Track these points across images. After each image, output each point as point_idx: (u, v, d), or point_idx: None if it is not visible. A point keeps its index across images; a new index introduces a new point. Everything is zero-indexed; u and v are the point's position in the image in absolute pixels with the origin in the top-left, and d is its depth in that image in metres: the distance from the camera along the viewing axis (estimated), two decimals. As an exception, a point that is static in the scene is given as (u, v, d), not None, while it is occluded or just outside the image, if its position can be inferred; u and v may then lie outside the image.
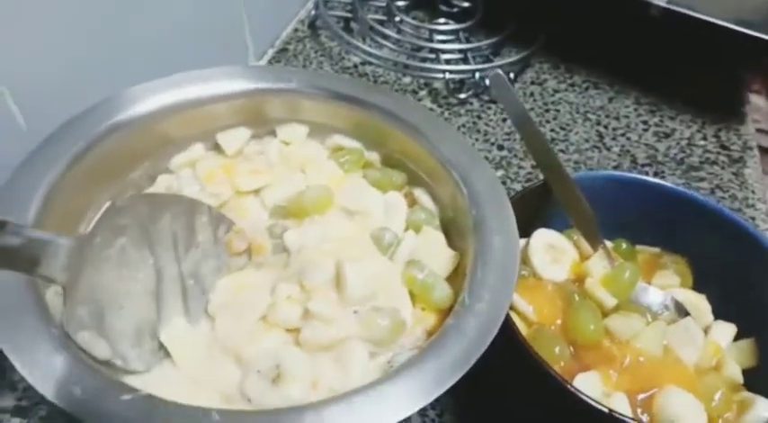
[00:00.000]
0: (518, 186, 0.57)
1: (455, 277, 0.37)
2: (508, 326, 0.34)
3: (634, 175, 0.46)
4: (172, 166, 0.41)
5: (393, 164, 0.43)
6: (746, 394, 0.37)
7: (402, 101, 0.42)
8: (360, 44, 0.68)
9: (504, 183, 0.58)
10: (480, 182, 0.38)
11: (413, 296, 0.36)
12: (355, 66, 0.69)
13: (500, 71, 0.42)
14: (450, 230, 0.40)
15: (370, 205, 0.39)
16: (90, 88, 0.41)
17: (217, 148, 0.42)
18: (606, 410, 0.31)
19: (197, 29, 0.57)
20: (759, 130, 0.71)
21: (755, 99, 0.78)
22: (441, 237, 0.39)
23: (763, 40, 0.58)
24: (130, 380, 0.31)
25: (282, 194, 0.39)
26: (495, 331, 0.31)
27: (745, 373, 0.39)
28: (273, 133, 0.43)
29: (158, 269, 0.33)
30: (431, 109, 0.64)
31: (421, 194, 0.42)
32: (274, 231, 0.38)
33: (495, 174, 0.39)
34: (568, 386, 0.32)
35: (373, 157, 0.43)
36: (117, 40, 0.48)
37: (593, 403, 0.31)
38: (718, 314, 0.42)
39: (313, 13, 0.73)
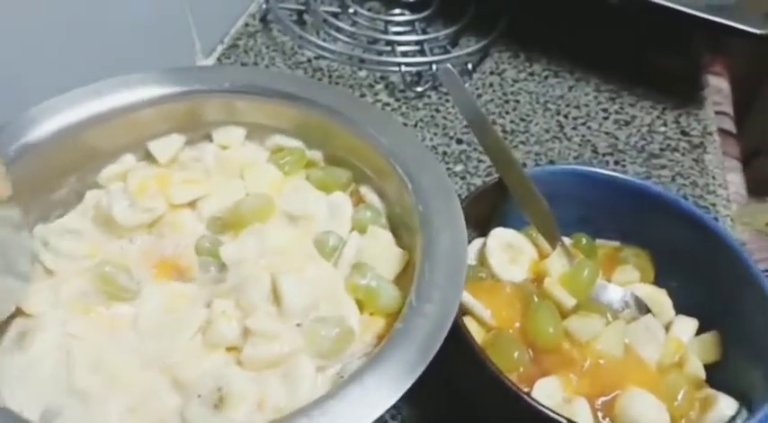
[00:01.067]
0: (478, 181, 0.56)
1: (404, 276, 0.36)
2: (463, 335, 0.33)
3: (592, 168, 0.45)
4: (101, 179, 0.39)
5: (337, 161, 0.41)
6: (709, 391, 0.36)
7: (341, 94, 0.41)
8: (313, 38, 0.66)
9: (463, 178, 0.56)
10: (426, 176, 0.36)
11: (359, 302, 0.35)
12: (309, 60, 0.67)
13: (449, 66, 0.40)
14: (399, 228, 0.38)
15: (313, 208, 0.38)
16: (21, 98, 0.38)
17: (149, 157, 0.40)
18: (564, 421, 0.30)
19: (139, 29, 0.54)
20: (719, 113, 0.71)
21: (716, 81, 0.77)
22: (388, 236, 0.38)
23: (720, 24, 0.57)
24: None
25: (219, 205, 0.37)
26: (445, 333, 0.29)
27: (708, 367, 0.38)
28: (209, 138, 0.41)
29: None
30: (387, 103, 0.62)
31: (367, 192, 0.40)
32: (202, 246, 0.36)
33: (441, 166, 0.38)
34: (525, 397, 0.31)
35: (316, 155, 0.41)
36: (53, 44, 0.45)
37: (550, 414, 0.30)
38: (681, 307, 0.41)
39: (264, 6, 0.70)
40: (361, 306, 0.35)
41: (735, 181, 0.62)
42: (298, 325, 0.32)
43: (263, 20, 0.71)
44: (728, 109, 0.71)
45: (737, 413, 0.34)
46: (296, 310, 0.32)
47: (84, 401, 0.30)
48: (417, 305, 0.31)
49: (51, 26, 0.44)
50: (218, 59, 0.66)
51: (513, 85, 0.66)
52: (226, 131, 0.41)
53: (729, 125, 0.68)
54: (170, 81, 0.39)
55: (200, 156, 0.40)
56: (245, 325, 0.31)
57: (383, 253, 0.36)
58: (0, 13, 0.40)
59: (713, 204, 0.56)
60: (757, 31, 0.57)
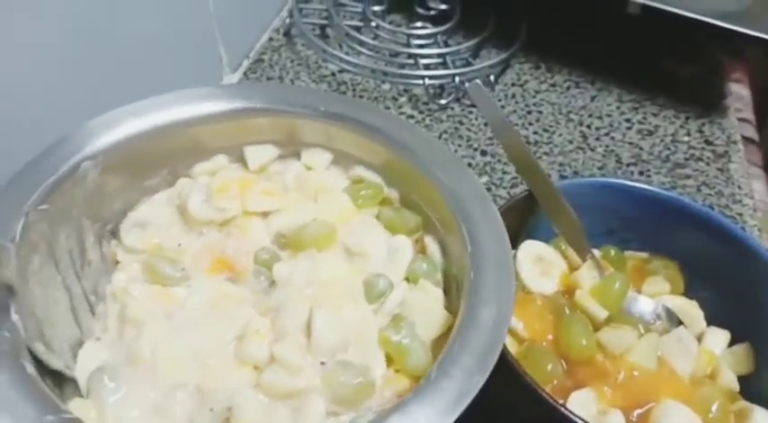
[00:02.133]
0: (503, 192, 0.57)
1: (444, 340, 0.33)
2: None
3: (620, 180, 0.45)
4: (193, 173, 0.40)
5: (410, 205, 0.40)
6: (743, 404, 0.36)
7: (427, 140, 0.40)
8: (336, 52, 0.67)
9: (489, 189, 0.57)
10: (488, 242, 0.34)
11: (388, 356, 0.34)
12: (333, 74, 0.68)
13: (479, 81, 0.41)
14: (452, 289, 0.36)
15: (372, 247, 0.37)
16: (58, 115, 0.39)
17: (241, 161, 0.41)
18: (602, 433, 0.30)
19: (167, 44, 0.55)
20: (741, 120, 0.71)
21: (737, 88, 0.77)
22: (438, 293, 0.36)
23: (738, 32, 0.57)
24: (81, 404, 0.30)
25: (288, 223, 0.38)
26: (458, 414, 0.27)
27: (742, 379, 0.38)
28: (298, 156, 0.42)
29: (66, 287, 0.34)
30: (411, 116, 0.63)
31: (431, 243, 0.39)
32: (260, 257, 0.36)
33: (505, 233, 0.35)
34: (561, 408, 0.31)
35: (393, 194, 0.41)
36: (85, 62, 0.46)
37: (588, 426, 0.30)
38: (712, 318, 0.41)
39: (287, 21, 0.72)
40: (388, 360, 0.34)
41: (758, 188, 0.62)
42: (322, 363, 0.32)
43: (287, 34, 0.72)
44: (750, 116, 0.71)
45: (774, 426, 0.34)
46: (323, 348, 0.32)
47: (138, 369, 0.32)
48: (435, 379, 0.28)
49: (84, 41, 0.46)
50: (245, 74, 0.67)
51: (535, 97, 0.66)
52: (314, 153, 0.41)
53: (751, 132, 0.68)
54: (274, 97, 0.41)
55: (285, 171, 0.41)
56: (273, 350, 0.32)
57: (428, 311, 0.35)
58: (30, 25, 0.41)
59: (740, 214, 0.56)
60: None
